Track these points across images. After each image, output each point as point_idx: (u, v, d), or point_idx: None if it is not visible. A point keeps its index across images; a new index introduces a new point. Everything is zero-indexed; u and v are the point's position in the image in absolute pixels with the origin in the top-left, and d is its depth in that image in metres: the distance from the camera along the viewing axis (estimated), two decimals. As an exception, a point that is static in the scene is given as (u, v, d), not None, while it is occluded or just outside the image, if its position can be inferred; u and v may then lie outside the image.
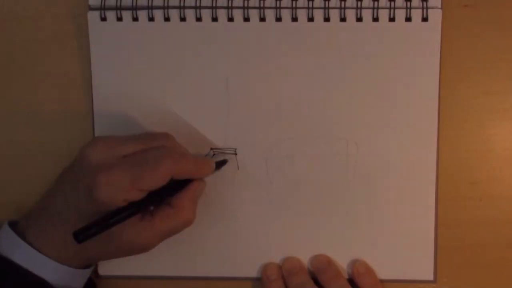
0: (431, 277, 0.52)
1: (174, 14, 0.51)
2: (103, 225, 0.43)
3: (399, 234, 0.52)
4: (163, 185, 0.45)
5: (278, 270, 0.52)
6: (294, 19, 0.51)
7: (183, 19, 0.51)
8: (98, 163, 0.45)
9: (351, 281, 0.52)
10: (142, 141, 0.47)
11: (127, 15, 0.51)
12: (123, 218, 0.44)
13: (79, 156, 0.46)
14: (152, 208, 0.47)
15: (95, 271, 0.52)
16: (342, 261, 0.52)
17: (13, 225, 0.48)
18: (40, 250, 0.46)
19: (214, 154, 0.52)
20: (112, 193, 0.44)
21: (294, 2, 0.50)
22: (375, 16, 0.50)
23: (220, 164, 0.50)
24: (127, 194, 0.44)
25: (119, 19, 0.51)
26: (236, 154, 0.52)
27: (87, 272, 0.50)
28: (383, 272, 0.52)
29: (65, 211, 0.46)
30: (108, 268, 0.53)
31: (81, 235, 0.42)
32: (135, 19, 0.51)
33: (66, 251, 0.47)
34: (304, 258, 0.52)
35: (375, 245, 0.52)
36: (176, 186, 0.47)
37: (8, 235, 0.47)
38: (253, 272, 0.53)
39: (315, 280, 0.51)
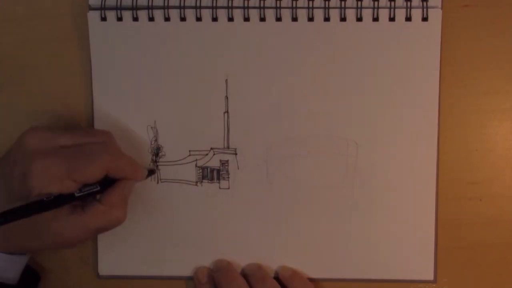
0: (431, 277, 0.52)
1: (174, 14, 0.51)
2: (24, 210, 0.42)
3: (399, 234, 0.52)
4: (97, 180, 0.45)
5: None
6: (294, 19, 0.51)
7: (183, 19, 0.51)
8: (35, 150, 0.44)
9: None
10: (81, 135, 0.46)
11: (127, 15, 0.51)
12: (47, 207, 0.43)
13: (17, 142, 0.46)
14: (80, 202, 0.46)
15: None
16: (345, 260, 0.52)
17: None
18: None
19: (214, 154, 0.52)
20: (45, 181, 0.43)
21: (294, 2, 0.50)
22: (375, 16, 0.50)
23: (150, 172, 0.51)
24: (61, 183, 0.44)
25: (119, 19, 0.51)
26: (236, 154, 0.52)
27: (23, 259, 0.49)
28: (383, 272, 0.52)
29: None
30: (108, 268, 0.53)
31: None
32: (135, 19, 0.51)
33: None
34: (305, 257, 0.52)
35: (375, 245, 0.52)
36: (107, 184, 0.47)
37: None
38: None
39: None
